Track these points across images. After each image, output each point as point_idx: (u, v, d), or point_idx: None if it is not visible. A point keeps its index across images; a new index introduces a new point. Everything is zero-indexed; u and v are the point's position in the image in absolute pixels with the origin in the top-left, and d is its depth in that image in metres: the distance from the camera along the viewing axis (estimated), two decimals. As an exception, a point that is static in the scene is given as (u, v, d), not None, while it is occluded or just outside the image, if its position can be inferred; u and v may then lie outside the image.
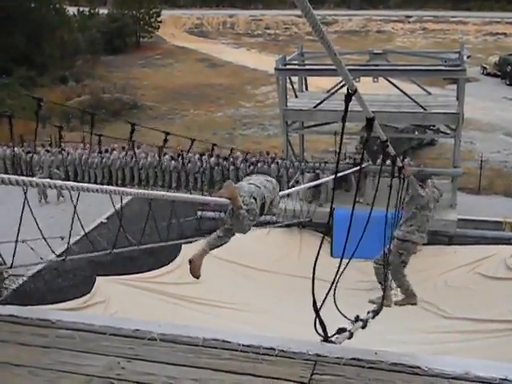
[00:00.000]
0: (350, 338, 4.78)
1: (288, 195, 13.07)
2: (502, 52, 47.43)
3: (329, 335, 3.78)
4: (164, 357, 2.68)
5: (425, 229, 7.22)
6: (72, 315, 3.10)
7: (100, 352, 2.74)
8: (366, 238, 5.06)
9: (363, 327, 5.78)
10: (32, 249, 9.93)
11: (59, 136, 8.55)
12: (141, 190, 4.13)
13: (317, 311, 3.66)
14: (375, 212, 5.00)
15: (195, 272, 5.03)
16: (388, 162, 6.40)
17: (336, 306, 4.71)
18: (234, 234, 5.19)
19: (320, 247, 3.70)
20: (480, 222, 17.56)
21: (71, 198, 7.28)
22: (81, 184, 3.15)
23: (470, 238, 16.72)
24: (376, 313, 6.75)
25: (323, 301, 3.78)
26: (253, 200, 4.93)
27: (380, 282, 7.25)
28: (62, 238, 10.47)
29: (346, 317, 5.25)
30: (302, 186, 11.32)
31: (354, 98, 3.21)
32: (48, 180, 3.07)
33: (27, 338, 2.87)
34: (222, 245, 5.18)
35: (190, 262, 5.01)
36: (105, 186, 3.47)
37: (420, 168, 8.11)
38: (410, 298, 7.74)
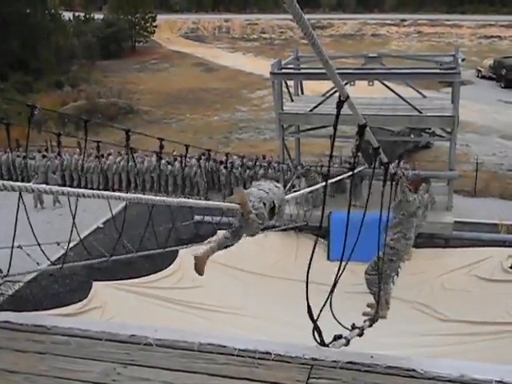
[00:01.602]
0: (346, 345, 4.77)
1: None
2: (496, 55, 47.61)
3: (325, 342, 3.77)
4: (160, 362, 2.68)
5: (411, 236, 6.98)
6: (68, 321, 3.10)
7: (96, 358, 2.74)
8: (361, 240, 5.06)
9: (360, 335, 5.76)
10: (28, 255, 9.91)
11: (58, 142, 8.50)
12: (153, 197, 4.12)
13: (312, 318, 3.65)
14: (371, 215, 5.01)
15: (200, 269, 5.21)
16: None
17: (333, 315, 4.70)
18: (240, 238, 5.41)
19: (313, 250, 3.70)
20: (476, 224, 17.61)
21: (69, 203, 7.27)
22: (79, 190, 3.14)
23: (466, 241, 16.75)
24: (372, 321, 6.68)
25: (320, 310, 3.77)
26: (262, 205, 5.18)
27: (373, 293, 6.93)
28: (59, 244, 10.44)
29: (343, 326, 5.24)
30: (305, 190, 11.29)
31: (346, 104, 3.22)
32: (45, 186, 3.07)
33: (23, 345, 2.86)
34: (228, 246, 5.39)
35: (196, 258, 5.18)
36: (112, 193, 3.45)
37: (417, 172, 7.83)
38: (382, 310, 7.09)
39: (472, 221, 17.86)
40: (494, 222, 17.45)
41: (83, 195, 3.14)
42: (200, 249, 5.43)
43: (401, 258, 7.00)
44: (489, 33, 65.60)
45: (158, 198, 4.22)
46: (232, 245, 5.43)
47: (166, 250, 11.55)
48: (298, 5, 2.02)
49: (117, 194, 3.55)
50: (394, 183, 6.52)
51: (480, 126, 32.25)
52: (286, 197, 5.94)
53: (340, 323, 5.09)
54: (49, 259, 8.53)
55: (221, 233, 12.30)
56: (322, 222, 4.21)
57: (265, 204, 5.22)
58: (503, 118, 33.42)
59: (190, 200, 5.61)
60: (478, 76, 44.21)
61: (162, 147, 8.89)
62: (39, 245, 7.92)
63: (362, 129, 3.71)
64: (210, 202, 5.86)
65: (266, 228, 7.14)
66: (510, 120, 32.99)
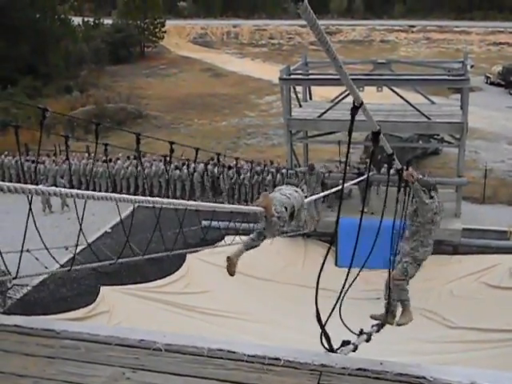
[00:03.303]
0: (354, 350, 4.77)
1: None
2: (505, 61, 47.53)
3: (334, 347, 3.76)
4: (169, 367, 2.68)
5: (428, 242, 6.85)
6: (77, 325, 3.10)
7: (105, 362, 2.73)
8: (370, 247, 5.06)
9: (367, 340, 5.74)
10: (37, 259, 9.92)
11: (66, 146, 8.53)
12: (172, 200, 4.11)
13: (321, 324, 3.64)
14: (385, 221, 5.01)
15: (231, 269, 5.72)
16: (392, 171, 6.34)
17: (342, 320, 4.69)
18: (264, 239, 5.93)
19: (325, 258, 3.69)
20: (485, 231, 17.50)
21: (75, 207, 7.28)
22: (88, 192, 3.14)
23: (474, 248, 16.66)
24: (380, 326, 6.66)
25: (328, 316, 3.76)
26: (284, 209, 5.67)
27: (400, 300, 6.94)
28: (67, 248, 10.48)
29: (351, 331, 5.24)
30: (320, 195, 11.29)
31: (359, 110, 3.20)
32: (54, 188, 3.07)
33: (32, 349, 2.87)
34: (255, 247, 5.90)
35: (228, 259, 5.68)
36: (120, 195, 3.45)
37: (427, 177, 7.62)
38: (407, 315, 7.21)
39: (480, 228, 17.76)
40: (502, 229, 17.35)
41: (92, 197, 3.15)
42: (230, 250, 5.91)
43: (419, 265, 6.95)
44: (498, 39, 65.46)
45: (182, 201, 4.23)
46: (257, 245, 5.91)
47: (173, 253, 11.56)
48: (311, 10, 2.02)
49: (126, 196, 3.54)
50: (408, 189, 6.47)
51: (489, 132, 32.13)
52: (305, 200, 6.39)
53: (348, 328, 5.08)
54: (57, 262, 8.56)
55: (229, 238, 12.37)
56: (332, 227, 4.22)
57: (286, 208, 5.69)
58: (512, 125, 33.30)
59: (216, 204, 5.81)
60: (486, 82, 44.12)
61: (172, 151, 8.90)
62: (47, 249, 7.94)
63: (376, 135, 3.70)
64: (235, 206, 6.14)
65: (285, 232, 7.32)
66: (519, 127, 32.87)
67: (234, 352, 2.74)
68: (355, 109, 3.11)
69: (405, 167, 6.51)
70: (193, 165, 21.36)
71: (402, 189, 6.41)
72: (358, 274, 4.37)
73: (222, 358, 2.71)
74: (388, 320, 6.84)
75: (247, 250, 5.88)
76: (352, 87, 2.96)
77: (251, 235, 5.93)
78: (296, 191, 6.10)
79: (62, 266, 9.11)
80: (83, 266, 9.61)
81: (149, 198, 4.08)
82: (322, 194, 11.09)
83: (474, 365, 10.39)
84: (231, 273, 5.70)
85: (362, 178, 12.43)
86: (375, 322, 6.87)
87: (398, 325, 7.08)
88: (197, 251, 14.34)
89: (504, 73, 42.85)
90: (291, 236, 16.29)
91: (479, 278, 15.34)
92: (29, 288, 13.84)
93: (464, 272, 15.63)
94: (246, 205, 19.85)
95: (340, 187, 5.54)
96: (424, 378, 2.57)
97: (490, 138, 31.31)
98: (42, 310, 12.52)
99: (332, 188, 16.55)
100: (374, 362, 2.69)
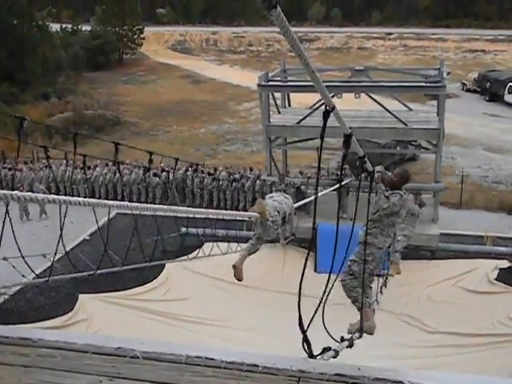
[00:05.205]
0: (335, 356, 4.76)
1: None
2: (481, 68, 48.31)
3: (314, 353, 3.76)
4: (147, 375, 2.66)
5: (388, 234, 6.35)
6: (53, 334, 3.06)
7: (82, 371, 2.71)
8: (349, 252, 5.08)
9: (350, 346, 5.71)
10: (14, 267, 9.79)
11: (46, 156, 8.43)
12: (165, 206, 4.09)
13: (302, 329, 3.64)
14: (357, 227, 5.03)
15: (239, 275, 6.24)
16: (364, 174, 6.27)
17: (325, 327, 4.69)
18: (263, 242, 6.45)
19: (305, 264, 3.70)
20: (462, 236, 17.67)
21: (60, 214, 7.21)
22: (65, 197, 3.12)
23: (452, 253, 16.79)
24: (361, 331, 6.47)
25: (310, 321, 3.76)
26: (276, 213, 6.26)
27: (354, 301, 6.34)
28: (45, 256, 10.33)
29: (333, 338, 5.23)
30: (304, 201, 11.29)
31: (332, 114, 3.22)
32: (31, 194, 3.04)
33: (8, 358, 2.83)
34: (255, 251, 6.42)
35: (234, 267, 6.17)
36: (98, 200, 3.43)
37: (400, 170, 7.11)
38: (369, 324, 6.47)
39: (458, 233, 17.93)
40: (479, 234, 17.55)
41: (69, 203, 3.13)
42: (235, 258, 6.42)
43: (377, 259, 6.36)
44: (473, 47, 66.55)
45: (177, 208, 4.22)
46: (257, 250, 6.45)
47: (153, 263, 11.47)
48: (284, 17, 2.03)
49: (104, 201, 3.52)
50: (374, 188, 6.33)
51: (465, 138, 32.57)
52: (295, 205, 7.08)
53: (331, 335, 5.07)
54: (34, 272, 8.43)
55: (208, 245, 12.34)
56: (311, 233, 4.23)
57: (279, 212, 6.25)
58: (488, 131, 33.79)
59: (210, 210, 5.87)
60: (462, 89, 44.76)
61: (151, 161, 8.84)
62: (23, 257, 7.83)
63: (347, 138, 3.74)
64: (232, 212, 6.48)
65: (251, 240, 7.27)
66: (495, 133, 33.39)
67: (211, 359, 2.73)
68: (327, 113, 3.13)
69: (376, 169, 6.32)
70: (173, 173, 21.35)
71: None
72: (335, 280, 4.38)
73: (199, 365, 2.70)
74: (367, 330, 6.46)
75: (249, 255, 6.34)
76: (324, 91, 2.97)
77: (251, 241, 6.36)
78: (286, 197, 6.64)
79: (38, 275, 8.97)
80: (61, 276, 9.49)
81: (128, 203, 4.06)
82: (299, 204, 11.10)
83: (452, 369, 10.49)
84: (239, 279, 6.21)
85: (337, 185, 12.48)
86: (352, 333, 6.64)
87: (348, 332, 6.55)
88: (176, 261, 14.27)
89: (480, 79, 43.50)
90: (270, 242, 16.29)
91: (457, 282, 15.47)
92: (6, 297, 13.66)
93: (442, 277, 15.75)
94: (245, 211, 19.86)
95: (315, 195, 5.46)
96: (401, 382, 2.59)
97: (466, 144, 31.73)
98: (20, 319, 12.36)
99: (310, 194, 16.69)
100: (352, 368, 2.70)
